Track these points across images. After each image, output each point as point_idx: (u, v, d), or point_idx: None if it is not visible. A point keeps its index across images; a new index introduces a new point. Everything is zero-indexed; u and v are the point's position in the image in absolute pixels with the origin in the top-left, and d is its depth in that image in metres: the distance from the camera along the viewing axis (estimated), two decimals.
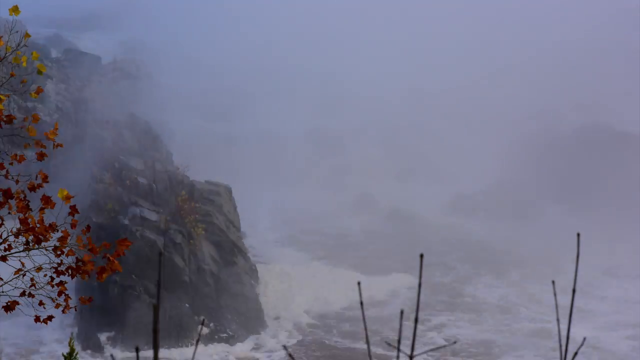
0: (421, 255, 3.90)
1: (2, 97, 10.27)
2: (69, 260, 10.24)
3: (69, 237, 10.12)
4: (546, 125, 63.66)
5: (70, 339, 12.16)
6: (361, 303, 3.95)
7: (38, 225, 9.97)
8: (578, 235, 4.27)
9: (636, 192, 52.65)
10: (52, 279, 10.35)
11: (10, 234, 10.12)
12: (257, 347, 35.63)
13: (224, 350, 35.12)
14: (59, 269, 10.23)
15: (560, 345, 3.86)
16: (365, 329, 3.56)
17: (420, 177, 59.52)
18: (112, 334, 34.66)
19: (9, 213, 10.13)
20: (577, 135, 59.28)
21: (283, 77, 71.51)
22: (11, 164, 10.44)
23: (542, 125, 63.48)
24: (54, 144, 10.47)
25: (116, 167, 39.86)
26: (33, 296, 10.44)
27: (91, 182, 39.19)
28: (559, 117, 68.46)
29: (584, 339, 4.92)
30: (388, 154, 61.17)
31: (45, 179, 10.36)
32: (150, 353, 32.59)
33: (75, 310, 10.72)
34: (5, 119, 10.41)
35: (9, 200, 10.03)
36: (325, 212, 53.21)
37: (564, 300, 38.58)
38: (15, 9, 10.05)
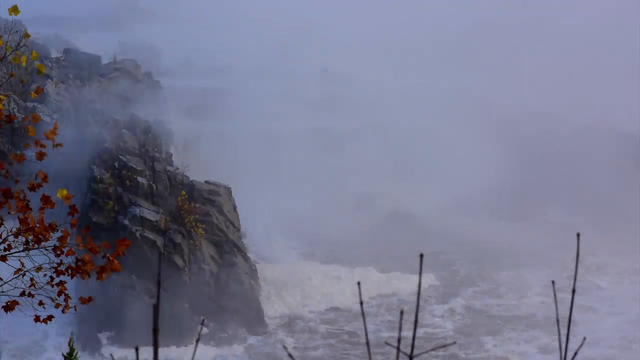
0: (421, 255, 3.89)
1: (1, 97, 10.26)
2: (68, 260, 10.24)
3: (69, 237, 10.11)
4: (546, 125, 63.64)
5: (70, 339, 12.15)
6: (361, 303, 3.95)
7: (38, 225, 9.96)
8: (578, 235, 4.27)
9: (637, 193, 52.61)
10: (52, 278, 10.34)
11: (10, 233, 10.12)
12: (257, 347, 35.60)
13: (224, 350, 35.10)
14: (58, 268, 10.23)
15: (560, 345, 3.86)
16: (365, 328, 3.55)
17: (420, 177, 59.47)
18: (112, 333, 34.66)
19: (9, 213, 10.12)
20: (577, 135, 59.25)
21: (283, 76, 71.49)
22: (11, 163, 10.43)
23: (542, 125, 63.46)
24: (53, 144, 10.46)
25: (116, 167, 39.86)
26: (33, 296, 10.44)
27: (91, 182, 39.18)
28: (559, 117, 68.46)
29: (584, 338, 4.91)
30: (388, 155, 61.13)
31: (44, 178, 10.36)
32: (149, 353, 32.52)
33: (75, 310, 10.71)
34: (5, 118, 10.41)
35: (9, 200, 10.03)
36: (325, 212, 53.19)
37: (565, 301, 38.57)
38: (14, 9, 10.05)
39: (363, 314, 3.95)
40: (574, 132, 60.03)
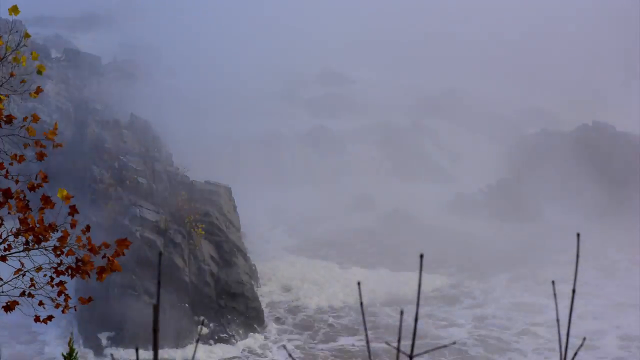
0: (421, 256, 3.90)
1: (2, 97, 10.27)
2: (68, 260, 10.24)
3: (69, 237, 10.11)
4: (546, 124, 63.67)
5: (70, 339, 12.16)
6: (361, 303, 3.95)
7: (38, 225, 9.96)
8: (578, 235, 4.27)
9: (637, 193, 52.61)
10: (52, 279, 10.35)
11: (10, 234, 10.12)
12: (257, 348, 35.61)
13: (224, 351, 35.11)
14: (58, 269, 10.23)
15: (560, 346, 3.86)
16: (365, 329, 3.55)
17: (420, 177, 59.49)
18: (112, 334, 34.66)
19: (9, 213, 10.13)
20: (577, 135, 59.24)
21: (282, 76, 71.51)
22: (11, 164, 10.44)
23: (541, 125, 63.50)
24: (53, 144, 10.47)
25: (116, 167, 39.87)
26: (33, 296, 10.44)
27: (91, 182, 39.20)
28: (559, 117, 68.48)
29: (584, 339, 4.91)
30: (388, 155, 61.16)
31: (44, 178, 10.37)
32: (150, 353, 32.56)
33: (75, 310, 10.72)
34: (5, 118, 10.41)
35: (9, 200, 10.03)
36: (325, 212, 53.18)
37: (564, 301, 38.61)
38: (14, 9, 10.06)
39: (363, 314, 3.95)
40: (573, 131, 60.01)
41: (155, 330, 3.30)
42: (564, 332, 35.90)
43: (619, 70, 73.50)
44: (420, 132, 63.89)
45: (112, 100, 50.59)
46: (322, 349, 35.42)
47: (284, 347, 34.98)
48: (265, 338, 36.32)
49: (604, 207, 52.44)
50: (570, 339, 3.84)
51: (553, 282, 4.69)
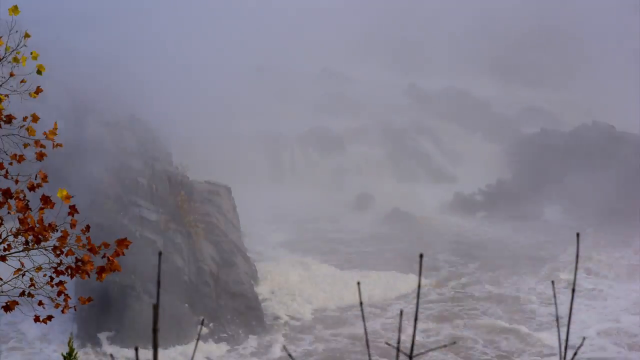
0: (421, 255, 3.90)
1: (1, 97, 10.28)
2: (68, 260, 10.24)
3: (69, 237, 10.12)
4: (545, 124, 63.70)
5: (70, 339, 12.17)
6: (360, 303, 3.96)
7: (37, 225, 9.97)
8: (577, 235, 4.28)
9: (637, 193, 52.61)
10: (52, 278, 10.35)
11: (9, 233, 10.13)
12: (256, 347, 35.62)
13: (224, 350, 35.11)
14: (58, 268, 10.24)
15: (560, 345, 3.86)
16: (365, 329, 3.56)
17: (420, 177, 59.54)
18: (112, 333, 34.66)
19: (9, 213, 10.13)
20: (577, 135, 59.26)
21: (282, 76, 71.55)
22: (11, 163, 10.45)
23: (541, 125, 63.53)
24: (53, 144, 10.48)
25: (116, 167, 39.87)
26: (33, 296, 10.45)
27: (91, 182, 39.19)
28: (559, 117, 68.53)
29: (584, 338, 4.92)
30: (388, 155, 61.19)
31: (44, 178, 10.38)
32: (149, 353, 32.57)
33: (75, 310, 10.72)
34: (5, 118, 10.42)
35: (9, 200, 10.04)
36: (325, 212, 53.21)
37: (564, 300, 38.62)
38: (14, 9, 10.06)
39: (363, 314, 3.95)
40: (573, 131, 60.04)
41: (155, 330, 3.31)
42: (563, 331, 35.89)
43: (619, 69, 73.48)
44: (420, 132, 63.91)
45: (112, 100, 50.56)
46: (322, 349, 35.43)
47: (284, 347, 34.99)
48: (265, 338, 36.33)
49: (603, 207, 52.44)
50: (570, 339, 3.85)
51: (553, 282, 4.70)
